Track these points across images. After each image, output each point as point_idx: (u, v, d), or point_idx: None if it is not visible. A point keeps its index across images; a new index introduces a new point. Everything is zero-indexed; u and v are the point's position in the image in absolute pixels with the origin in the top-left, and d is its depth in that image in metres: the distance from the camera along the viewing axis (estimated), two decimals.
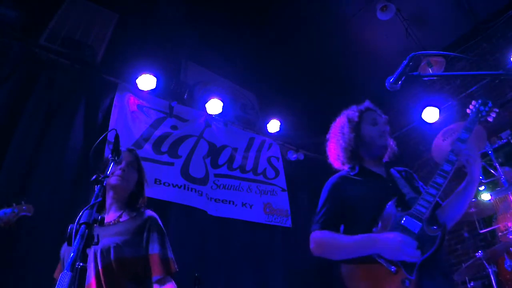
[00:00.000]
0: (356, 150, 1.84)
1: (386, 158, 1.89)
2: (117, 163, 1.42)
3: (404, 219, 1.53)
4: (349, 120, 1.88)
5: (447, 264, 1.75)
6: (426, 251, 1.43)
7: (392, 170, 1.86)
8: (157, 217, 1.81)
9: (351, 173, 1.82)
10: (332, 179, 1.85)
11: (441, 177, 1.59)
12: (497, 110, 1.77)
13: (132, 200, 1.85)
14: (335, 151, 1.92)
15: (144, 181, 1.94)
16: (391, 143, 1.88)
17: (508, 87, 4.39)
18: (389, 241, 1.46)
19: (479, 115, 1.76)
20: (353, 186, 1.75)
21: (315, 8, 4.41)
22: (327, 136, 2.01)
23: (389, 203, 1.59)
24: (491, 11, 4.60)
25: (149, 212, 1.82)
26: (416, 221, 1.50)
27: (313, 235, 1.70)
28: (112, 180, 1.74)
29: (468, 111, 1.81)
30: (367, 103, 1.96)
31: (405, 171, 1.90)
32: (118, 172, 1.76)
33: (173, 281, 1.61)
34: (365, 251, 1.51)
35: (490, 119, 1.77)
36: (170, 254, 1.68)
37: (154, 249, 1.64)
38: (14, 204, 2.24)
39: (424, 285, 1.41)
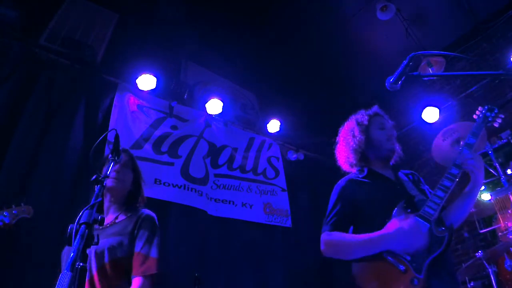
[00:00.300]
0: (365, 153, 1.89)
1: (393, 162, 1.94)
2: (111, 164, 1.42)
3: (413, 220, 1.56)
4: (359, 124, 1.94)
5: (453, 264, 1.78)
6: (434, 251, 1.48)
7: (399, 173, 1.91)
8: (152, 215, 1.79)
9: (360, 176, 1.86)
10: (341, 181, 1.89)
11: (449, 180, 1.64)
12: (503, 116, 1.81)
13: (130, 200, 1.84)
14: (344, 153, 1.96)
15: (141, 180, 1.93)
16: (397, 147, 1.93)
17: (508, 87, 4.39)
18: (398, 231, 1.52)
19: (486, 120, 1.80)
20: (362, 188, 1.79)
21: (315, 8, 4.41)
22: (336, 139, 2.06)
23: (398, 205, 1.64)
24: (491, 11, 4.60)
25: (145, 211, 1.80)
26: (424, 222, 1.54)
27: (323, 237, 1.74)
28: (108, 183, 1.72)
29: (474, 116, 1.85)
30: (375, 108, 2.02)
31: (412, 174, 1.96)
32: (112, 174, 1.74)
33: (143, 282, 1.54)
34: (375, 248, 1.55)
35: (496, 125, 1.82)
36: (153, 254, 1.63)
37: (137, 247, 1.63)
38: (13, 206, 2.25)
39: (432, 284, 1.45)
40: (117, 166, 1.76)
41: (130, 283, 1.56)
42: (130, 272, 1.58)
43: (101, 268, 1.53)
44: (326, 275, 4.33)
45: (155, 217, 1.80)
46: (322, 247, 1.72)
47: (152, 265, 1.60)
